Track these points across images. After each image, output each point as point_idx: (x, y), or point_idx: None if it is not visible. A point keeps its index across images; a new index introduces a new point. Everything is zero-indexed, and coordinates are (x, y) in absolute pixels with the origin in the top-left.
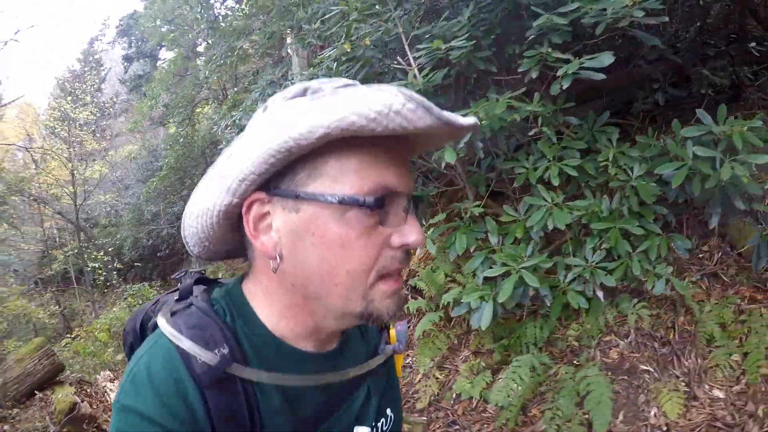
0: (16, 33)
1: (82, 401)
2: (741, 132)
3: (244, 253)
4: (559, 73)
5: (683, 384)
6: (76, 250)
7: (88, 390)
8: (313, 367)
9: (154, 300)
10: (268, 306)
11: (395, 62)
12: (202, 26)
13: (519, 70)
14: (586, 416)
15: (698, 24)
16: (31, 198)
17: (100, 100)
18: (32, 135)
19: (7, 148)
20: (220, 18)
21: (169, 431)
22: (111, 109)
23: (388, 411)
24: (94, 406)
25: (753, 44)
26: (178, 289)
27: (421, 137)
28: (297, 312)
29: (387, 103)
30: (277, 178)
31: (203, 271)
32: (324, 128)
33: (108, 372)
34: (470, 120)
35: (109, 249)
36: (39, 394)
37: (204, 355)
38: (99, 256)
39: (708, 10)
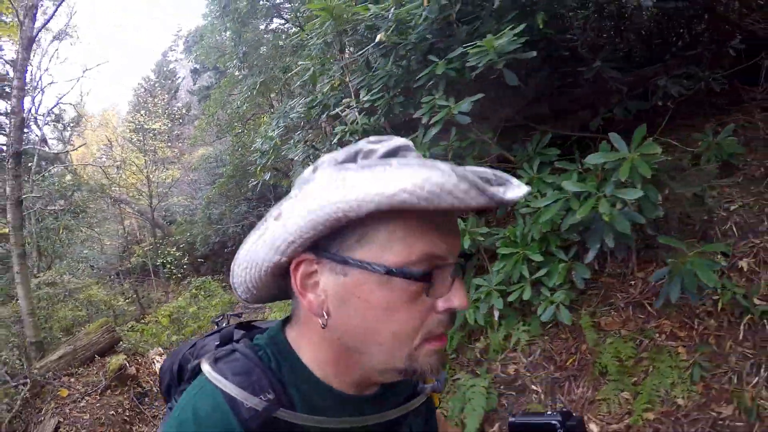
0: (84, 71)
1: (130, 366)
2: (634, 159)
3: (288, 297)
4: (432, 120)
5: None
6: (151, 246)
7: (139, 360)
8: (355, 409)
9: (191, 342)
10: (314, 354)
11: (343, 108)
12: (234, 60)
13: (414, 116)
14: (465, 420)
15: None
16: (112, 199)
17: (173, 108)
18: (112, 141)
19: (93, 157)
20: (247, 54)
21: None
22: (181, 120)
23: None
24: (140, 371)
25: (737, 40)
26: (216, 332)
27: None
28: (342, 362)
29: (439, 182)
30: (326, 240)
31: (240, 315)
32: (374, 204)
33: (159, 348)
34: (520, 193)
35: (181, 245)
36: (98, 358)
37: (251, 401)
38: (172, 252)
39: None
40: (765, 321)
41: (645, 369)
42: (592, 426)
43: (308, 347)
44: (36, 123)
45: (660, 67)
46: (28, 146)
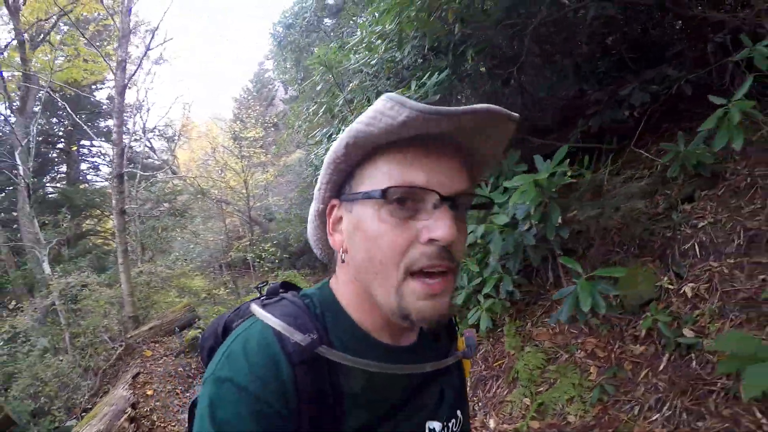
0: (176, 99)
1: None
2: (528, 185)
3: None
4: None
5: (479, 405)
6: (248, 242)
7: None
8: (391, 356)
9: (235, 308)
10: (347, 298)
11: None
12: (295, 85)
13: None
14: None
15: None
16: (215, 200)
17: (267, 117)
18: (214, 148)
19: (195, 163)
20: (305, 79)
21: (260, 399)
22: (273, 127)
23: (459, 413)
24: None
25: (722, 34)
26: (261, 297)
27: (468, 140)
28: (365, 303)
29: (377, 108)
30: (343, 186)
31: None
32: (344, 140)
33: None
34: (467, 108)
35: (274, 242)
36: (179, 330)
37: (296, 336)
38: (267, 247)
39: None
40: (692, 355)
41: (553, 381)
42: (491, 422)
43: (343, 291)
44: (144, 133)
45: (633, 75)
46: (136, 158)
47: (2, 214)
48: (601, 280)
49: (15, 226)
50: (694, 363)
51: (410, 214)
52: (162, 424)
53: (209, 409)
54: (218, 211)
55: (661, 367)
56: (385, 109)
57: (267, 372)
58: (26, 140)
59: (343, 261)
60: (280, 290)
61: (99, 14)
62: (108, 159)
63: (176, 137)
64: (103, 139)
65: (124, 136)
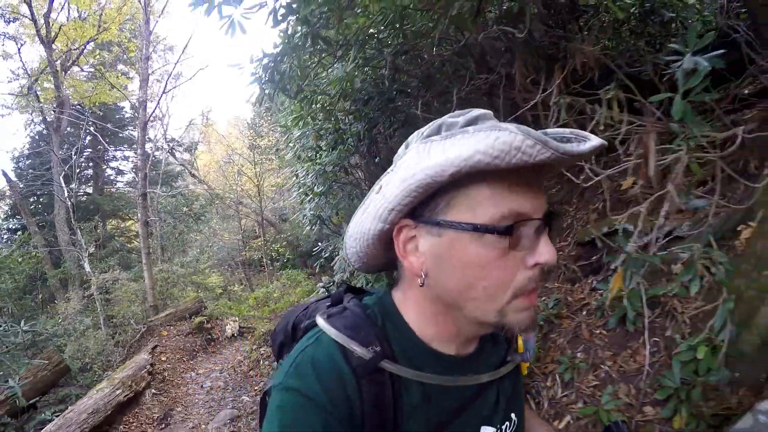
0: (190, 122)
1: (207, 323)
2: None
3: (394, 267)
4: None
5: None
6: (261, 242)
7: (215, 321)
8: (451, 367)
9: (304, 305)
10: (416, 313)
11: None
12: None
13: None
14: None
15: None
16: (231, 201)
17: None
18: (231, 154)
19: (215, 165)
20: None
21: (326, 409)
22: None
23: (513, 415)
24: (213, 327)
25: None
26: (327, 297)
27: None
28: (441, 319)
29: (508, 140)
30: (421, 206)
31: (347, 282)
32: (454, 167)
33: (234, 317)
34: (590, 144)
35: (283, 243)
36: (189, 317)
37: (360, 351)
38: (277, 248)
39: None
40: None
41: None
42: None
43: (411, 306)
44: (165, 140)
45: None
46: (158, 166)
47: (39, 217)
48: None
49: (47, 228)
50: None
51: (514, 243)
52: (171, 378)
53: (278, 414)
54: (235, 211)
55: None
56: (525, 146)
57: (333, 384)
58: (69, 165)
59: (422, 285)
60: (345, 294)
61: (123, 34)
62: (131, 163)
63: (195, 147)
64: (126, 146)
65: (146, 145)
